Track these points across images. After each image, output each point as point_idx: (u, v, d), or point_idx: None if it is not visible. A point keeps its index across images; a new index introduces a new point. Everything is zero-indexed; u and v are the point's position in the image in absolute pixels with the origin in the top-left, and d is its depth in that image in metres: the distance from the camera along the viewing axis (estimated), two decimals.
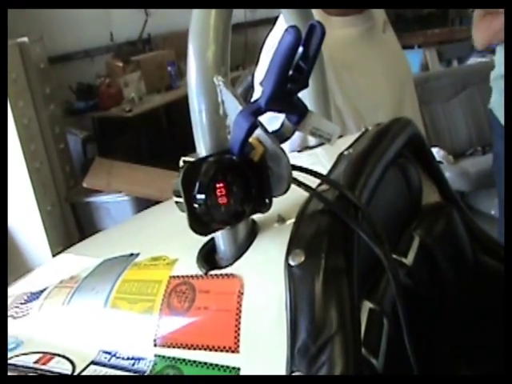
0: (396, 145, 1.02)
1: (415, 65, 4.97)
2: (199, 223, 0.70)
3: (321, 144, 1.08)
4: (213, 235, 0.79)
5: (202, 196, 0.69)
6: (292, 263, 0.70)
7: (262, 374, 0.71)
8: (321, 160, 1.02)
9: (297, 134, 0.84)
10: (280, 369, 0.69)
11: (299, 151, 1.12)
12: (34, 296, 1.02)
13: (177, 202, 0.72)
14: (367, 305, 0.83)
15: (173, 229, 0.98)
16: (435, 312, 1.12)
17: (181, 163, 0.72)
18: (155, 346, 0.79)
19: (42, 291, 1.03)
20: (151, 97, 5.19)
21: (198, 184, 0.69)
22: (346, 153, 0.94)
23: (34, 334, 0.96)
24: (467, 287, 1.25)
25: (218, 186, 0.69)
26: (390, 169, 1.09)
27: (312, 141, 1.13)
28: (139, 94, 5.05)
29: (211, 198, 0.69)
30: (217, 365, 0.74)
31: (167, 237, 0.96)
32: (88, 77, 5.07)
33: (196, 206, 0.69)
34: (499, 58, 2.35)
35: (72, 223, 4.13)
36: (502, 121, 2.43)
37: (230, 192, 0.70)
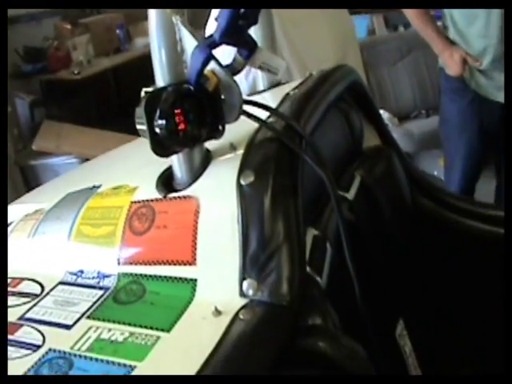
0: (338, 87, 1.11)
1: (362, 30, 5.05)
2: (160, 146, 0.78)
3: (268, 89, 1.15)
4: (170, 164, 0.87)
5: (163, 121, 0.76)
6: (243, 183, 0.78)
7: (217, 283, 0.79)
8: (268, 102, 1.10)
9: (245, 82, 0.90)
10: (233, 277, 0.77)
11: (248, 95, 1.19)
12: None
13: (139, 129, 0.79)
14: (312, 232, 0.91)
15: (130, 163, 1.05)
16: (375, 249, 1.21)
17: (142, 93, 0.79)
18: (119, 264, 0.86)
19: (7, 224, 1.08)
20: (100, 60, 5.16)
21: (158, 110, 0.76)
22: (291, 93, 1.02)
23: None
24: (406, 227, 1.35)
25: (176, 112, 0.76)
26: (334, 112, 1.18)
27: (260, 87, 1.21)
28: (88, 57, 5.01)
29: (171, 123, 0.76)
30: (176, 278, 0.82)
31: (126, 170, 1.02)
32: (36, 40, 5.00)
33: (157, 130, 0.76)
34: (449, 20, 2.38)
35: (21, 186, 4.12)
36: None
37: (188, 118, 0.77)
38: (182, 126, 0.77)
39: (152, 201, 0.86)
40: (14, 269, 0.97)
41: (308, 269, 0.82)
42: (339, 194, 1.08)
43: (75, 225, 0.93)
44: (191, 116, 0.77)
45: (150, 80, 0.85)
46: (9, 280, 0.95)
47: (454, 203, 1.34)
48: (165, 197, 0.85)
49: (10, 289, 0.93)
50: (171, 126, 0.76)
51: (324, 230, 0.96)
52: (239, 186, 0.78)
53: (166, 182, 0.87)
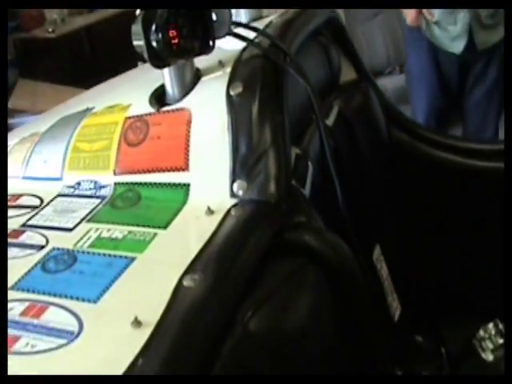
0: (318, 18, 1.17)
1: None
2: (156, 58, 0.83)
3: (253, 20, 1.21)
4: (161, 83, 0.92)
5: (159, 35, 0.81)
6: (232, 93, 0.84)
7: (209, 186, 0.85)
8: None
9: None
10: (224, 180, 0.84)
11: None
12: None
13: (136, 45, 0.84)
14: (294, 150, 0.97)
15: (122, 88, 1.10)
16: (353, 175, 1.27)
17: (137, 12, 0.84)
18: (114, 174, 0.92)
19: None
20: (74, 18, 5.12)
21: (154, 25, 0.82)
22: (274, 21, 1.07)
23: None
24: (381, 158, 1.42)
25: (171, 26, 0.82)
26: (314, 45, 1.24)
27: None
28: (62, 16, 4.98)
29: (166, 37, 0.82)
30: (170, 183, 0.88)
31: (119, 92, 1.08)
32: None
33: (154, 44, 0.82)
34: None
35: None
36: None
37: (181, 32, 0.83)
38: (175, 40, 0.82)
39: (146, 115, 0.91)
40: (12, 187, 1.02)
41: (293, 181, 0.88)
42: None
43: (71, 142, 0.99)
44: (184, 31, 0.82)
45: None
46: (8, 197, 1.00)
47: (427, 136, 1.41)
48: (158, 111, 0.91)
49: (9, 203, 0.98)
50: (166, 39, 0.81)
51: (306, 149, 1.02)
52: (228, 96, 0.84)
53: (159, 98, 0.93)
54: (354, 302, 0.83)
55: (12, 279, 0.78)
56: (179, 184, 0.87)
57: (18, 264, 0.81)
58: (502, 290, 0.73)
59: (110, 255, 0.78)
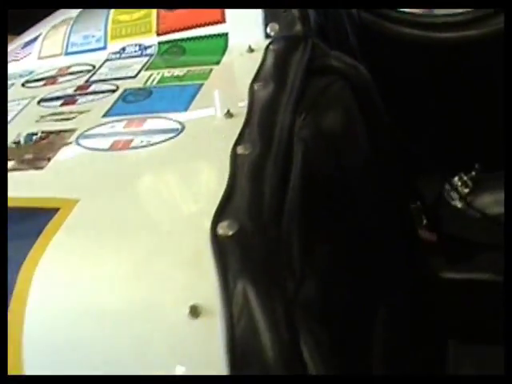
0: None
1: None
2: None
3: None
4: None
5: None
6: None
7: (245, 32, 1.04)
8: None
9: None
10: (258, 26, 1.03)
11: None
12: (30, 42, 1.26)
13: None
14: None
15: None
16: None
17: None
18: (157, 35, 1.09)
19: (36, 37, 1.26)
20: None
21: None
22: None
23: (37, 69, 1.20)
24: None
25: None
26: None
27: None
28: None
29: None
30: (210, 35, 1.06)
31: None
32: None
33: None
34: None
35: None
36: None
37: None
38: None
39: None
40: (55, 64, 1.16)
41: None
42: None
43: (110, 17, 1.14)
44: None
45: None
46: (54, 71, 1.15)
47: (394, 16, 1.55)
48: None
49: (60, 73, 1.13)
50: None
51: None
52: None
53: None
54: (373, 118, 1.03)
55: (98, 113, 0.94)
56: (219, 34, 1.05)
57: (97, 105, 0.97)
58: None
59: (179, 85, 0.97)
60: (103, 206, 0.74)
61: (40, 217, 0.74)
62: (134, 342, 0.61)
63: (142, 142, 0.84)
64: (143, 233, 0.68)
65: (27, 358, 0.63)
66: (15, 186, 0.81)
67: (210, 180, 0.74)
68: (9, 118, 0.96)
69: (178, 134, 0.83)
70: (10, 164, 0.88)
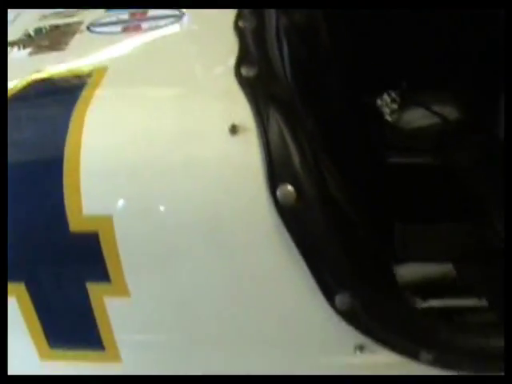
0: None
1: None
2: None
3: None
4: None
5: None
6: None
7: None
8: None
9: None
10: None
11: None
12: None
13: None
14: None
15: None
16: None
17: None
18: None
19: None
20: None
21: None
22: None
23: None
24: None
25: None
26: None
27: None
28: None
29: None
30: None
31: None
32: None
33: None
34: None
35: None
36: None
37: None
38: None
39: None
40: None
41: None
42: None
43: None
44: None
45: None
46: None
47: None
48: None
49: None
50: None
51: None
52: None
53: None
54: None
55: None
56: None
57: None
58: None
59: None
60: (135, 69, 0.87)
61: (77, 81, 0.87)
62: (184, 159, 0.76)
63: (150, 26, 0.98)
64: (178, 79, 0.83)
65: (84, 180, 0.76)
66: (41, 64, 0.93)
67: (223, 45, 0.88)
68: None
69: (181, 18, 0.98)
70: (27, 51, 0.99)
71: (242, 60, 0.81)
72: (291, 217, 0.72)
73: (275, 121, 0.74)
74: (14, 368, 0.91)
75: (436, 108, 1.57)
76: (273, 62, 0.84)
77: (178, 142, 0.77)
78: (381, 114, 1.68)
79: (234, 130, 0.74)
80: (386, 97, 1.72)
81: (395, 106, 1.72)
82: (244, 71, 0.79)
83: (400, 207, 1.28)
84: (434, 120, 1.65)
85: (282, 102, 0.77)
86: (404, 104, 1.72)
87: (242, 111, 0.76)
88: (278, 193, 0.72)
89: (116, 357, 0.85)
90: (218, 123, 0.75)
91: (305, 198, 0.72)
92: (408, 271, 1.20)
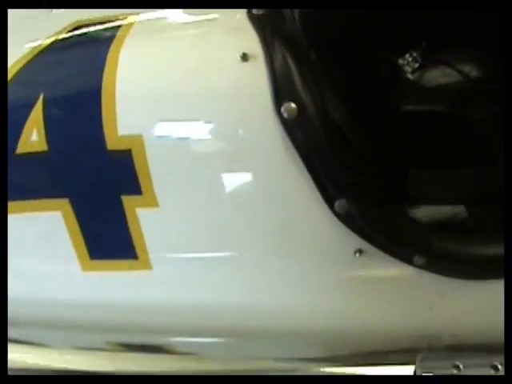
0: None
1: None
2: None
3: None
4: None
5: None
6: None
7: None
8: None
9: None
10: None
11: None
12: None
13: None
14: None
15: None
16: None
17: None
18: None
19: None
20: None
21: None
22: None
23: None
24: None
25: None
26: None
27: None
28: None
29: None
30: None
31: None
32: None
33: None
34: None
35: None
36: None
37: None
38: None
39: None
40: None
41: None
42: None
43: None
44: None
45: None
46: None
47: None
48: None
49: None
50: None
51: None
52: None
53: None
54: None
55: None
56: None
57: None
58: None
59: None
60: (161, 16, 1.01)
61: (112, 24, 1.01)
62: (204, 84, 0.89)
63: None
64: (197, 22, 0.96)
65: (119, 106, 0.89)
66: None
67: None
68: None
69: None
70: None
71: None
72: (293, 128, 0.83)
73: (280, 50, 0.85)
74: (59, 281, 1.05)
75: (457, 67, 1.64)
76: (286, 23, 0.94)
77: (198, 70, 0.89)
78: (402, 72, 1.76)
79: (244, 57, 0.86)
80: (407, 56, 1.80)
81: (416, 65, 1.79)
82: (254, 10, 0.91)
83: (414, 153, 1.37)
84: (455, 78, 1.71)
85: (287, 34, 0.89)
86: (425, 63, 1.79)
87: (251, 43, 0.87)
88: (283, 109, 0.84)
89: (147, 264, 0.98)
90: (231, 52, 0.87)
91: (305, 112, 0.83)
92: (420, 213, 1.29)
